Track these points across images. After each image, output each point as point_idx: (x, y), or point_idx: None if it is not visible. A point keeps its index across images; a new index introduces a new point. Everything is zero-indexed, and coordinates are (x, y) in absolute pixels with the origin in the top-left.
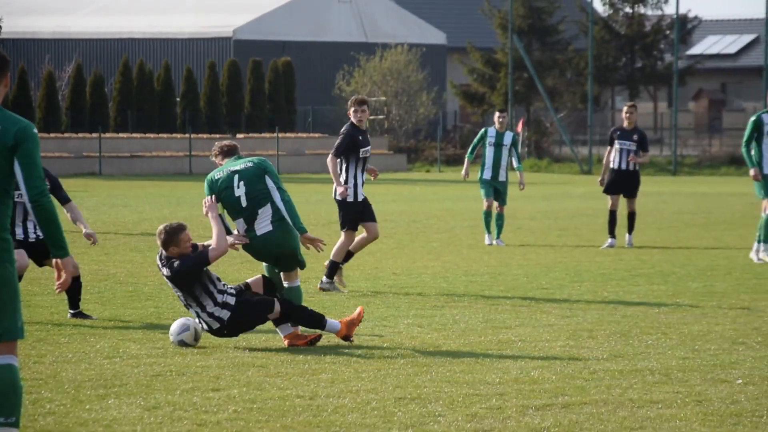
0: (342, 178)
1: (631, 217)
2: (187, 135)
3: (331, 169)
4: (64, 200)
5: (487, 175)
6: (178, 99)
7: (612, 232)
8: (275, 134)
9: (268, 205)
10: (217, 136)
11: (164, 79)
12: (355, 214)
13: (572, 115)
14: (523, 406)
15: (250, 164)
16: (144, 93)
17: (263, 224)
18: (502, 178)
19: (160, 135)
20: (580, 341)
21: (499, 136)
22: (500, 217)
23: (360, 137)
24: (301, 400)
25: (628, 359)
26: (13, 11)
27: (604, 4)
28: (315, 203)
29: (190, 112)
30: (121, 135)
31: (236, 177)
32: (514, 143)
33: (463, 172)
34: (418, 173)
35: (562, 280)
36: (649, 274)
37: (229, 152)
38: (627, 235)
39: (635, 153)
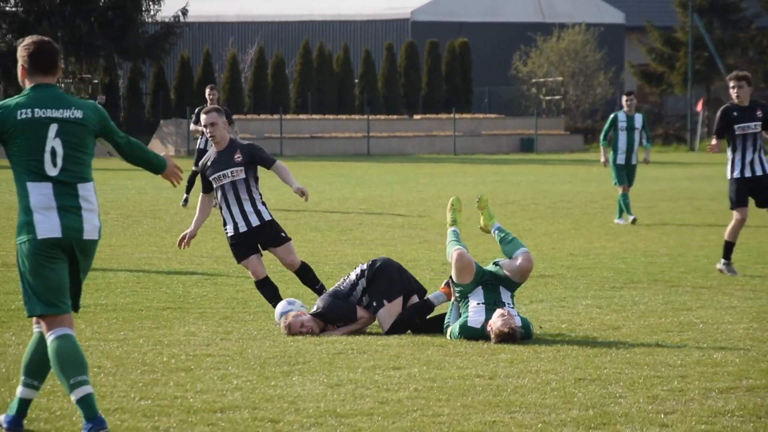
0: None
1: None
2: (365, 116)
3: None
4: (270, 162)
5: (621, 159)
6: (356, 80)
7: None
8: (452, 115)
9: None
10: (395, 117)
11: (343, 61)
12: (744, 188)
13: (753, 94)
14: (706, 389)
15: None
16: (323, 75)
17: None
18: (634, 161)
19: (339, 116)
20: (764, 324)
21: (630, 119)
22: (626, 197)
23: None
24: (480, 380)
25: None
26: None
27: None
28: (491, 184)
29: (369, 93)
30: (301, 116)
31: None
32: (644, 125)
33: (602, 159)
34: (594, 153)
35: (745, 261)
36: None
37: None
38: None
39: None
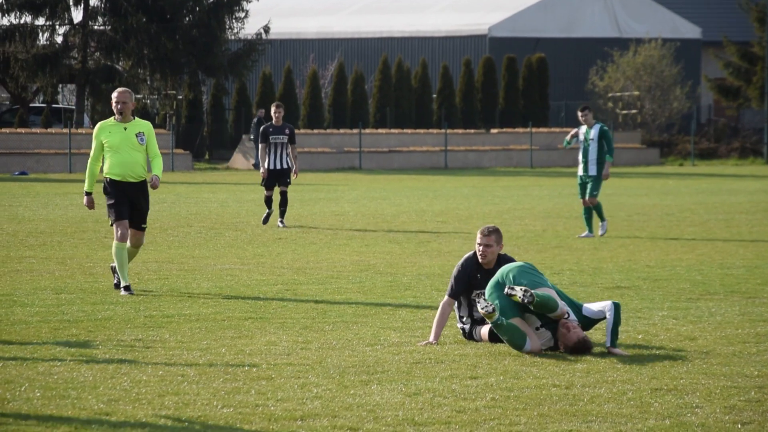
0: None
1: None
2: (442, 130)
3: None
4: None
5: (580, 170)
6: (434, 95)
7: None
8: (529, 129)
9: None
10: (472, 131)
11: (421, 77)
12: None
13: None
14: None
15: None
16: (402, 90)
17: None
18: (591, 172)
19: (417, 130)
20: None
21: (587, 131)
22: (595, 208)
23: None
24: (557, 389)
25: None
26: (281, 13)
27: None
28: (567, 196)
29: (446, 108)
30: (380, 131)
31: None
32: (602, 137)
33: (567, 137)
34: (671, 167)
35: None
36: None
37: None
38: None
39: None
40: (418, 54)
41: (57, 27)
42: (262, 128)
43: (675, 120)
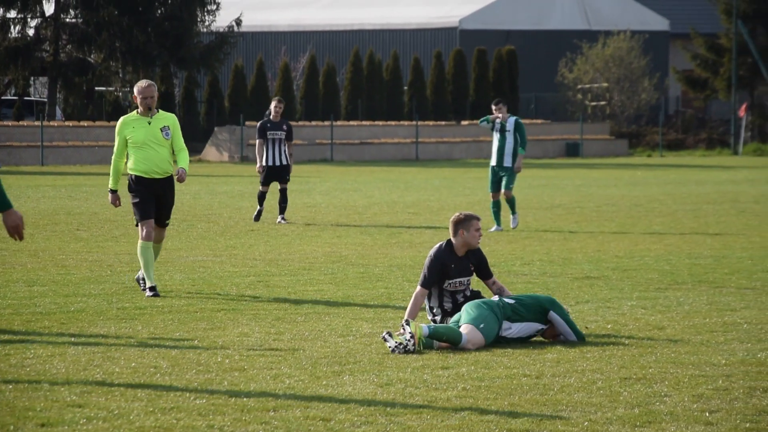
0: None
1: None
2: (413, 122)
3: None
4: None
5: (493, 161)
6: (405, 88)
7: None
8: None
9: None
10: (443, 123)
11: (392, 69)
12: None
13: None
14: (751, 388)
15: None
16: (373, 82)
17: None
18: (506, 164)
19: (388, 122)
20: None
21: (503, 123)
22: (509, 201)
23: None
24: (527, 379)
25: None
26: (253, 6)
27: None
28: (537, 187)
29: (417, 100)
30: (351, 123)
31: None
32: (516, 129)
33: (490, 117)
34: (639, 158)
35: None
36: None
37: None
38: None
39: None
40: (389, 46)
41: (29, 20)
42: (259, 123)
43: (643, 111)
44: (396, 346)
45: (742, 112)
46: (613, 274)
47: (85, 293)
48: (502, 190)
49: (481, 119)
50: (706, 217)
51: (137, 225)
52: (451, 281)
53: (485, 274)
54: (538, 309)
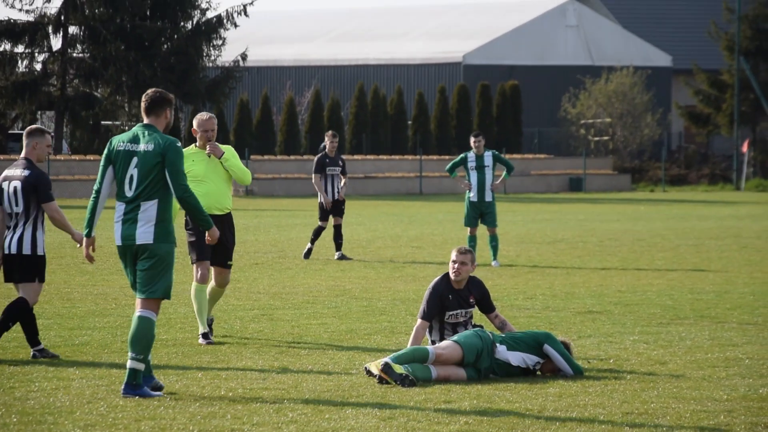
0: None
1: None
2: (417, 156)
3: None
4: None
5: (474, 197)
6: (409, 122)
7: None
8: (502, 155)
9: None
10: (447, 157)
11: (397, 103)
12: None
13: None
14: (753, 423)
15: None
16: (378, 116)
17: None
18: (488, 199)
19: (393, 156)
20: None
21: (479, 158)
22: (493, 239)
23: None
24: (529, 414)
25: None
26: (258, 41)
27: None
28: (540, 222)
29: (421, 134)
30: (356, 156)
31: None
32: (497, 161)
33: (462, 184)
34: (642, 193)
35: None
36: None
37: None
38: None
39: None
40: (393, 81)
41: (36, 54)
42: (317, 158)
43: (646, 146)
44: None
45: (744, 148)
46: (616, 308)
47: (89, 326)
48: (487, 227)
49: (450, 171)
50: (708, 253)
51: (193, 264)
52: (450, 313)
53: (487, 307)
54: (532, 342)
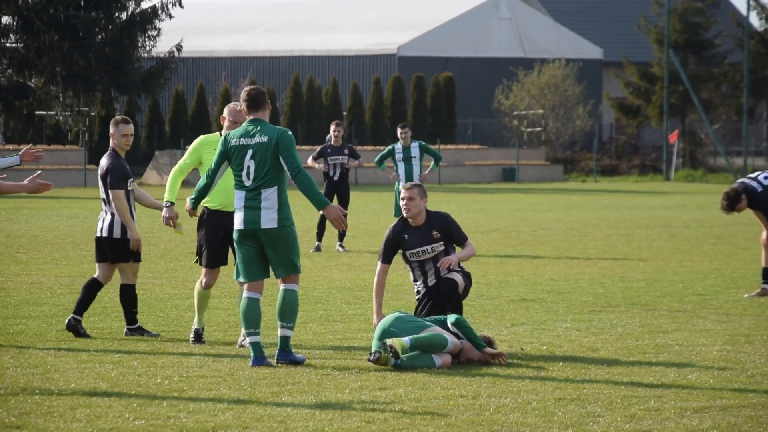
0: None
1: None
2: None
3: None
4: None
5: (401, 188)
6: (344, 113)
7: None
8: (436, 146)
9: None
10: (381, 148)
11: (332, 95)
12: None
13: (726, 127)
14: (682, 408)
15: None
16: (313, 107)
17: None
18: None
19: None
20: (737, 346)
21: (406, 150)
22: None
23: None
24: (464, 400)
25: None
26: (193, 32)
27: (761, 19)
28: (474, 212)
29: (356, 125)
30: None
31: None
32: (424, 152)
33: (391, 175)
34: (574, 183)
35: (718, 286)
36: None
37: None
38: None
39: None
40: (328, 72)
41: None
42: (320, 148)
43: (578, 137)
44: (372, 353)
45: (673, 139)
46: (548, 296)
47: (24, 315)
48: None
49: (378, 163)
50: (638, 242)
51: (199, 263)
52: (410, 251)
53: (457, 239)
54: (439, 321)
